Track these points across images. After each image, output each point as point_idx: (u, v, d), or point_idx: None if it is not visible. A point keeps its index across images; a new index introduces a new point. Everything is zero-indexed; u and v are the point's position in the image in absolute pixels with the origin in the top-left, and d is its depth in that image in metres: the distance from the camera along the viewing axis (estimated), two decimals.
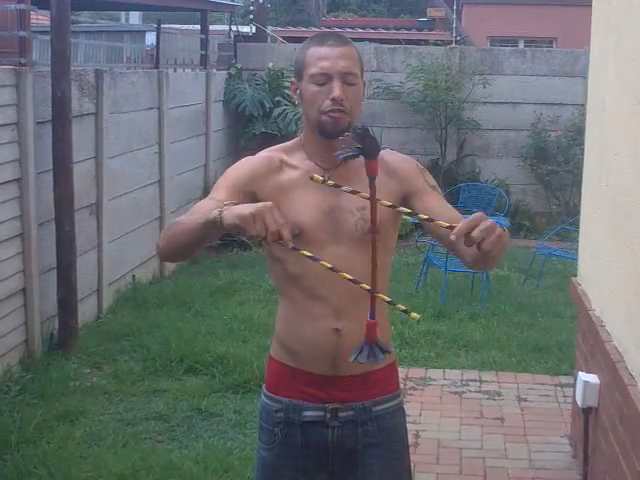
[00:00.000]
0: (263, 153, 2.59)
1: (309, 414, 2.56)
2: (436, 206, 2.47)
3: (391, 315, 2.68)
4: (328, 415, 2.55)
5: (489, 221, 2.05)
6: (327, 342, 2.49)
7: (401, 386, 2.74)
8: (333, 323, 2.49)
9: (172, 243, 2.38)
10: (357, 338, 2.42)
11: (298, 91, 2.51)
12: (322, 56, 2.42)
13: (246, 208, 2.12)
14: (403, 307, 2.14)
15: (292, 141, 2.62)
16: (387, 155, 2.57)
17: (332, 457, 2.57)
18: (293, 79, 2.53)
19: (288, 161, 2.54)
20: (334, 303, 2.49)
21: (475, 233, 2.04)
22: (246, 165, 2.55)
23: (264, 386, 2.67)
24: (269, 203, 2.13)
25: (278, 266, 2.54)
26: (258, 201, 2.43)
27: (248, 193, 2.48)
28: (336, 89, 2.40)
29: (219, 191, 2.47)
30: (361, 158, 2.31)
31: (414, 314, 2.12)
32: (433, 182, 2.56)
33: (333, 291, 2.47)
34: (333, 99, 2.40)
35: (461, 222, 2.06)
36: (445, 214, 2.42)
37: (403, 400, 2.70)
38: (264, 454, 2.64)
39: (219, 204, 2.30)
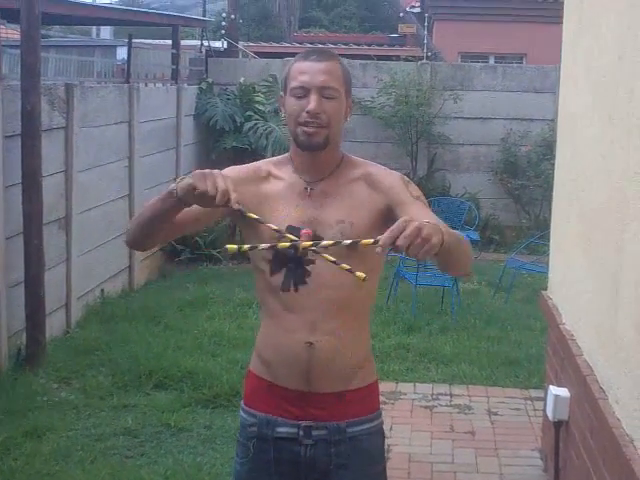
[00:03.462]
0: (253, 163, 2.63)
1: (282, 430, 2.54)
2: (417, 215, 2.39)
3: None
4: (301, 432, 2.52)
5: (414, 225, 2.00)
6: (300, 355, 2.48)
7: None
8: (307, 336, 2.48)
9: (137, 224, 2.43)
10: (331, 353, 2.43)
11: (283, 104, 2.54)
12: (303, 70, 2.46)
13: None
14: (347, 267, 2.12)
15: (283, 155, 2.64)
16: (372, 168, 2.59)
17: (305, 475, 2.54)
18: (281, 93, 2.56)
19: (275, 173, 2.57)
20: (309, 316, 2.48)
21: (399, 241, 1.99)
22: (231, 171, 2.56)
23: (242, 400, 2.66)
24: (219, 172, 2.21)
25: (259, 276, 2.55)
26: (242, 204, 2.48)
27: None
28: (312, 102, 2.42)
29: None
30: (348, 175, 2.48)
31: (359, 273, 2.09)
32: (417, 193, 2.55)
33: (309, 304, 2.47)
34: (308, 112, 2.42)
35: (388, 230, 2.02)
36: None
37: (382, 422, 2.64)
38: (238, 468, 2.63)
39: None
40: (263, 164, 2.61)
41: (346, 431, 2.53)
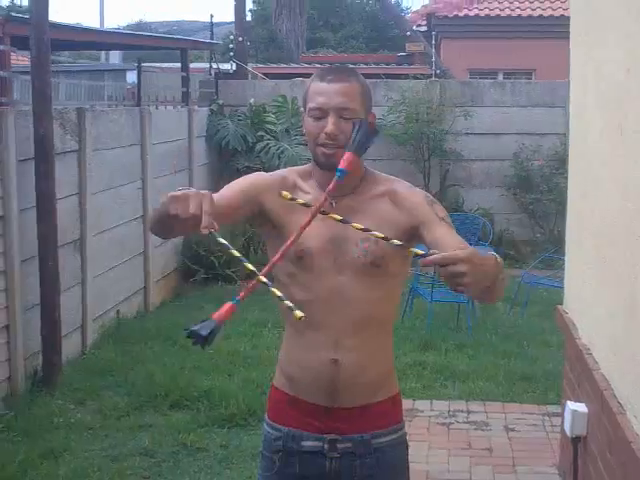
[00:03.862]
0: (278, 172, 2.65)
1: (307, 444, 2.55)
2: (443, 235, 2.43)
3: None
4: (326, 446, 2.53)
5: (464, 266, 1.97)
6: (325, 372, 2.49)
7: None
8: (331, 354, 2.49)
9: (153, 216, 2.38)
10: (356, 369, 2.44)
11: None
12: (320, 91, 2.48)
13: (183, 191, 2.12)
14: (289, 304, 2.04)
15: (307, 165, 2.65)
16: (396, 185, 2.59)
17: None
18: (301, 109, 2.60)
19: (301, 185, 2.58)
20: (333, 333, 2.49)
21: (442, 273, 2.00)
22: (260, 176, 2.62)
23: (266, 414, 2.67)
24: (206, 192, 2.12)
25: (282, 290, 2.53)
26: (266, 213, 2.53)
27: (256, 202, 2.53)
28: (330, 124, 2.44)
29: (226, 189, 2.53)
30: (371, 191, 2.50)
31: (298, 313, 2.00)
32: (443, 213, 2.53)
33: (333, 321, 2.48)
34: (326, 134, 2.44)
35: (442, 254, 2.00)
36: (451, 244, 2.36)
37: (406, 433, 2.66)
38: None
39: (218, 197, 2.38)
40: (289, 173, 2.62)
41: (371, 442, 2.55)
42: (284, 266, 2.51)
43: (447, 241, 2.38)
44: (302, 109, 2.58)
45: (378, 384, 2.55)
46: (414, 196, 2.55)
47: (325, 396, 2.51)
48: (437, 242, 2.39)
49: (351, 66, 15.93)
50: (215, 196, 2.42)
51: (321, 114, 2.46)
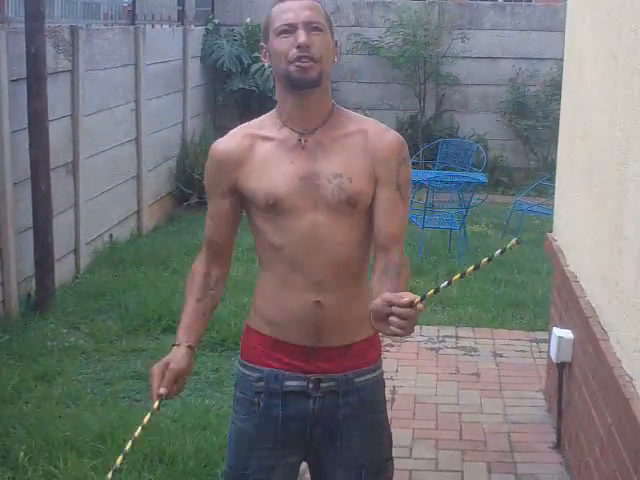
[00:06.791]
0: (232, 135, 2.55)
1: (291, 384, 2.53)
2: (384, 207, 2.46)
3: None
4: (310, 385, 2.52)
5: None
6: (308, 314, 2.47)
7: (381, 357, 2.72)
8: (314, 295, 2.46)
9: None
10: (338, 310, 2.44)
11: (267, 52, 2.46)
12: (285, 9, 2.41)
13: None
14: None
15: (267, 114, 2.57)
16: (370, 126, 2.52)
17: (311, 430, 2.55)
18: (262, 44, 2.48)
19: (261, 134, 2.50)
20: (315, 275, 2.46)
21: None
22: (216, 163, 2.54)
23: (240, 356, 2.64)
24: (159, 367, 2.58)
25: (259, 236, 2.52)
26: (240, 187, 2.50)
27: (230, 188, 2.51)
28: (301, 36, 2.36)
29: (210, 204, 2.59)
30: (343, 127, 2.47)
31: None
32: (403, 179, 2.49)
33: (313, 262, 2.45)
34: (299, 46, 2.36)
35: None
36: (382, 220, 2.45)
37: (383, 372, 2.68)
38: (240, 425, 2.60)
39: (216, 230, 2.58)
40: (243, 130, 2.54)
41: (354, 381, 2.55)
42: (258, 213, 2.49)
43: (383, 214, 2.45)
44: (262, 44, 2.48)
45: (359, 324, 2.51)
46: (388, 148, 2.49)
47: (308, 337, 2.49)
48: (378, 208, 2.45)
49: None
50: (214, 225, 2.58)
51: (290, 29, 2.38)
